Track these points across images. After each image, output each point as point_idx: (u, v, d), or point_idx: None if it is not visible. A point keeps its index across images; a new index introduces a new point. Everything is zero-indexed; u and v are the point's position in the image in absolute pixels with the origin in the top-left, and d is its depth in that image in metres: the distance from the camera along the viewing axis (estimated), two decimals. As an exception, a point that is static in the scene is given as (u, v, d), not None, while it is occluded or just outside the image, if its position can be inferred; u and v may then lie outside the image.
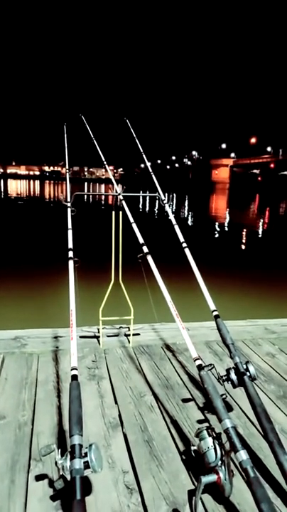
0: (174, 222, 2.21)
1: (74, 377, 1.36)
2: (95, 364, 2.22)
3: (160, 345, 2.53)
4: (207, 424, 1.60)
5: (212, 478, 1.23)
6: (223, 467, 1.25)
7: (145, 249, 1.93)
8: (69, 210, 2.11)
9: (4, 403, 1.79)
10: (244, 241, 12.06)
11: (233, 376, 1.59)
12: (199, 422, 1.73)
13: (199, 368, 1.45)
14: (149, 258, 1.88)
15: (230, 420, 1.29)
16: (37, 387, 1.95)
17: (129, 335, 2.54)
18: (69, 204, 2.13)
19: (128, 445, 1.56)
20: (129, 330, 2.54)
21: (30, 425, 1.65)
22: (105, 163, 2.79)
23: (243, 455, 1.21)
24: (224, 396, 1.41)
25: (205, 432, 1.33)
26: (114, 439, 1.59)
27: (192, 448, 1.35)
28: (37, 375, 2.07)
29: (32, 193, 37.57)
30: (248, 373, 1.59)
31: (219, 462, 1.26)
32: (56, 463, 1.16)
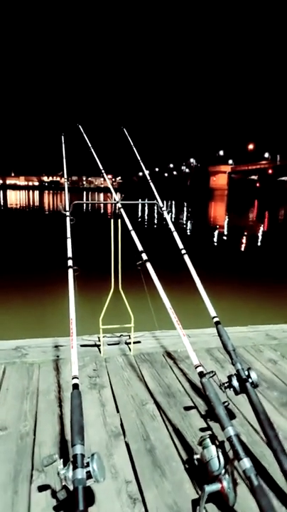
0: (173, 228, 2.22)
1: (75, 386, 1.35)
2: (96, 373, 2.21)
3: (161, 353, 2.52)
4: (209, 432, 1.59)
5: (215, 487, 1.22)
6: (227, 476, 1.24)
7: (144, 256, 1.93)
8: (68, 219, 2.12)
9: (6, 414, 1.78)
10: (243, 247, 12.07)
11: (235, 383, 1.57)
12: (202, 430, 1.72)
13: (201, 375, 1.44)
14: (148, 265, 1.88)
15: (233, 428, 1.28)
16: (38, 397, 1.94)
17: (130, 343, 2.54)
18: (68, 213, 2.14)
19: (130, 454, 1.55)
20: (130, 338, 2.53)
21: (32, 435, 1.64)
22: (103, 171, 2.81)
23: (246, 463, 1.20)
24: (226, 403, 1.40)
25: (208, 440, 1.32)
26: (116, 448, 1.58)
27: (195, 457, 1.34)
28: (38, 384, 2.06)
29: (31, 203, 37.69)
30: (250, 380, 1.57)
31: (223, 471, 1.25)
32: (58, 473, 1.15)
